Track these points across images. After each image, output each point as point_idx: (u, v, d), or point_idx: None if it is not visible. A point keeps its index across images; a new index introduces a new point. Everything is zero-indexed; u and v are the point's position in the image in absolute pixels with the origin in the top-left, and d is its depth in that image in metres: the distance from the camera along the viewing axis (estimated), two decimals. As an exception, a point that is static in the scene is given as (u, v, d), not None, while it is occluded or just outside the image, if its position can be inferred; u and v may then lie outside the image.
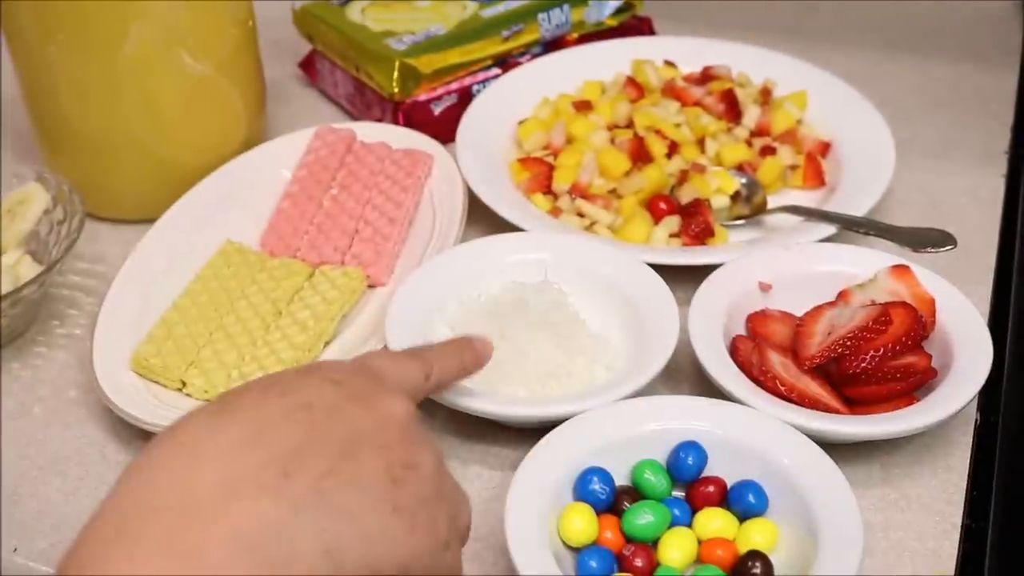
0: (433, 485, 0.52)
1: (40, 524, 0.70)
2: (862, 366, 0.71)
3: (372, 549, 0.48)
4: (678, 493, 0.68)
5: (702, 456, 0.67)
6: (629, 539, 0.64)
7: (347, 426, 0.50)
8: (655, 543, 0.64)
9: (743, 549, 0.63)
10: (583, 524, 0.64)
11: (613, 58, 1.03)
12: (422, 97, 1.00)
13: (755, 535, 0.64)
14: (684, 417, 0.69)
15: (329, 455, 0.48)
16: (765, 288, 0.78)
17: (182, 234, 0.87)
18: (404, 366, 0.59)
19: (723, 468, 0.67)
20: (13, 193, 0.86)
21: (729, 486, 0.67)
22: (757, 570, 0.62)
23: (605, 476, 0.66)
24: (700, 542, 0.64)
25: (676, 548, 0.63)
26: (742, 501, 0.65)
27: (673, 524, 0.65)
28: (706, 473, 0.67)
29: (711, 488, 0.66)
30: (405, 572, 0.49)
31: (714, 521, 0.65)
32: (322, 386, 0.52)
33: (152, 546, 0.44)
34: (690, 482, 0.67)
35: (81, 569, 0.44)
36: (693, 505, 0.66)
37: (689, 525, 0.65)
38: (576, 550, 0.64)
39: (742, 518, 0.65)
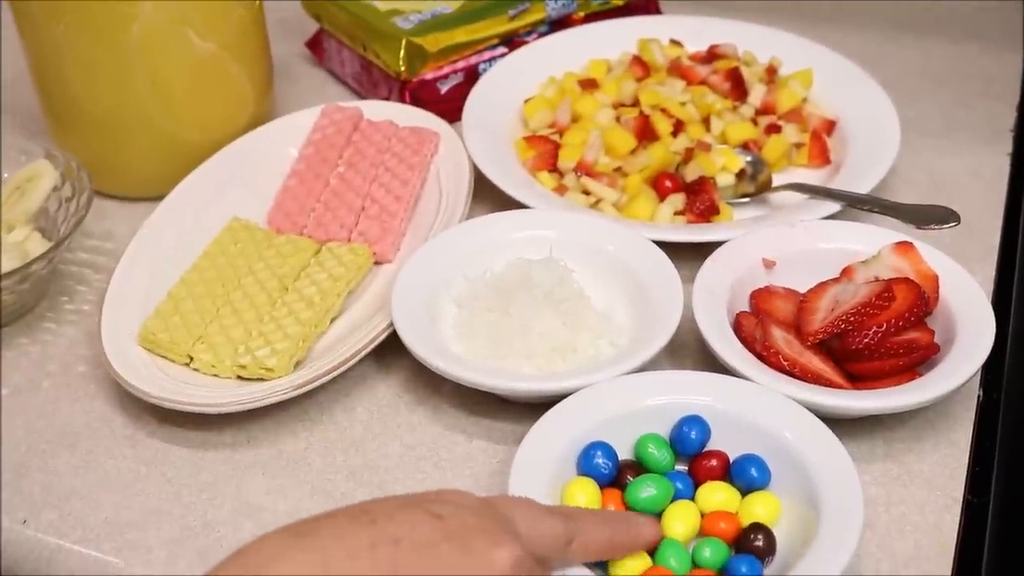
0: None
1: (49, 496, 0.71)
2: (865, 342, 0.71)
3: None
4: (680, 467, 0.68)
5: (705, 430, 0.68)
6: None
7: (434, 570, 0.44)
8: (658, 516, 0.65)
9: (746, 522, 0.64)
10: (586, 498, 0.64)
11: (619, 37, 1.03)
12: (429, 76, 1.00)
13: (757, 508, 0.64)
14: (687, 392, 0.69)
15: None
16: (769, 265, 0.78)
17: (190, 211, 0.87)
18: (541, 521, 0.52)
19: (726, 442, 0.68)
20: (22, 170, 0.86)
21: (731, 460, 0.67)
22: (760, 542, 0.62)
23: (608, 450, 0.66)
24: (703, 515, 0.65)
25: (679, 521, 0.64)
26: (744, 475, 0.66)
27: (676, 497, 0.65)
28: (709, 447, 0.68)
29: (714, 462, 0.67)
30: None
31: (716, 494, 0.65)
32: (419, 519, 0.46)
33: None
34: (693, 456, 0.68)
35: None
36: (696, 479, 0.67)
37: (692, 498, 0.66)
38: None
39: (744, 492, 0.66)
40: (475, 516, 0.48)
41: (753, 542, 0.62)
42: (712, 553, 0.62)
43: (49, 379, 0.79)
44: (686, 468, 0.68)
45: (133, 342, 0.77)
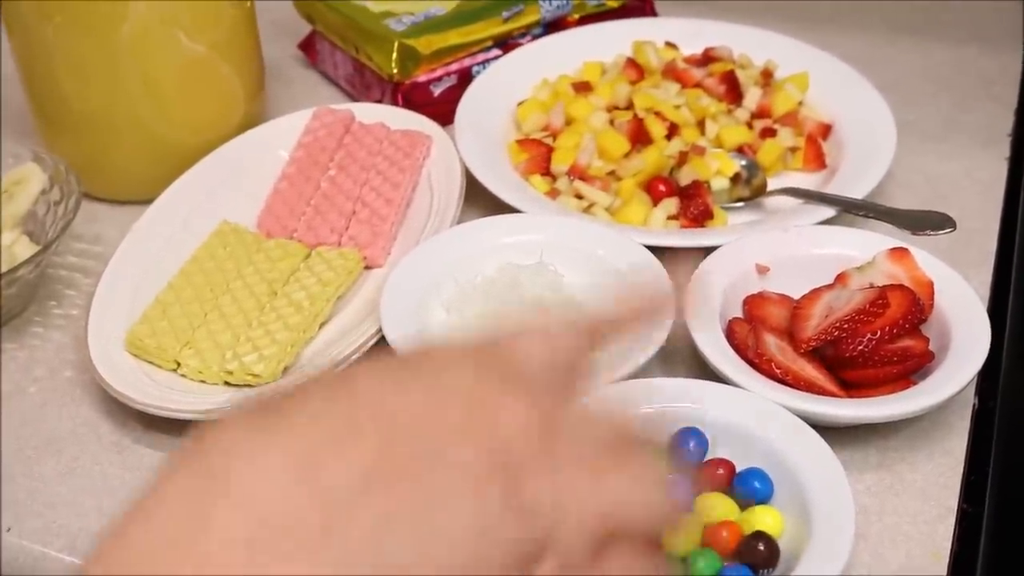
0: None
1: (34, 503, 0.70)
2: (859, 349, 0.70)
3: None
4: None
5: (703, 443, 0.67)
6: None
7: (439, 441, 0.36)
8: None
9: (747, 532, 0.63)
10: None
11: (614, 39, 1.03)
12: (421, 78, 0.99)
13: (765, 518, 0.63)
14: (679, 399, 0.68)
15: (405, 489, 0.35)
16: (763, 271, 0.78)
17: (179, 214, 0.87)
18: (549, 339, 0.42)
19: (716, 451, 0.67)
20: (10, 173, 0.86)
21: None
22: (762, 550, 0.61)
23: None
24: (705, 526, 0.64)
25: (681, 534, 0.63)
26: (748, 487, 0.65)
27: (676, 507, 0.64)
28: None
29: (721, 471, 0.66)
30: None
31: (716, 505, 0.65)
32: (411, 386, 0.37)
33: None
34: (698, 465, 0.67)
35: None
36: (701, 488, 0.66)
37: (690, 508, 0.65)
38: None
39: (744, 504, 0.65)
40: (473, 370, 0.38)
41: (755, 550, 0.61)
42: (706, 564, 0.61)
43: (36, 384, 0.78)
44: (682, 476, 0.67)
45: (120, 347, 0.77)
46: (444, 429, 0.36)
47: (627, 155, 0.90)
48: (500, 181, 0.87)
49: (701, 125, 0.93)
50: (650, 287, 0.47)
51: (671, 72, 0.98)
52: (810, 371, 0.71)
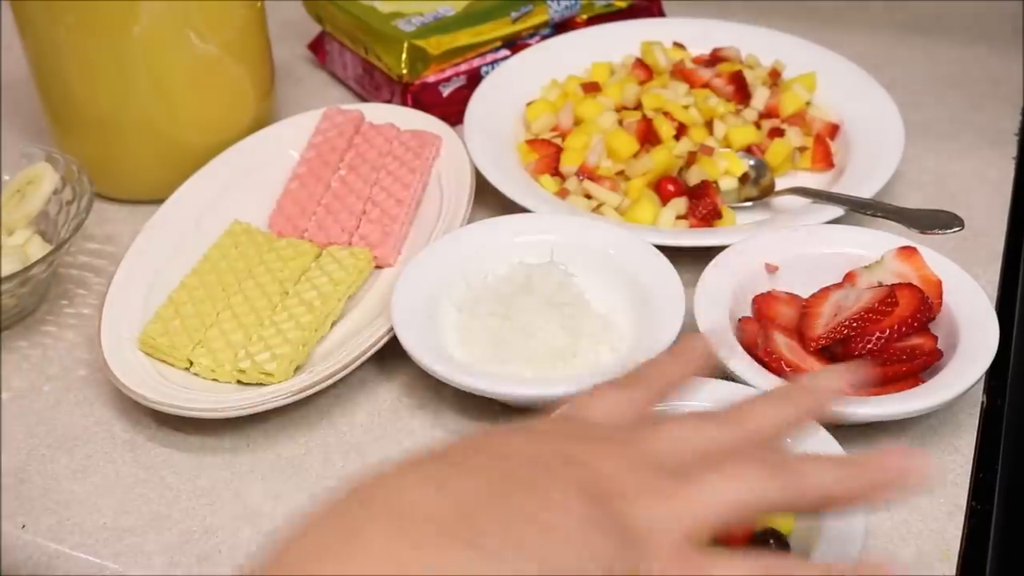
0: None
1: (47, 501, 0.71)
2: (868, 347, 0.71)
3: None
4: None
5: None
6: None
7: (541, 469, 0.44)
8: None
9: (757, 528, 0.63)
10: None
11: (622, 40, 1.03)
12: (431, 78, 1.00)
13: (773, 516, 0.64)
14: (688, 397, 0.69)
15: (522, 500, 0.42)
16: (772, 270, 0.78)
17: (190, 214, 0.87)
18: (612, 396, 0.51)
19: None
20: (22, 173, 0.86)
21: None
22: (773, 545, 0.62)
23: None
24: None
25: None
26: None
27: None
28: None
29: None
30: None
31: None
32: (514, 436, 0.46)
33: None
34: None
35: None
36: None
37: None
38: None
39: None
40: (563, 423, 0.49)
41: (766, 546, 0.62)
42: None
43: (49, 383, 0.79)
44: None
45: (133, 346, 0.77)
46: (551, 458, 0.44)
47: (636, 155, 0.90)
48: (510, 181, 0.88)
49: (709, 125, 0.93)
50: (699, 348, 0.55)
51: (679, 72, 0.98)
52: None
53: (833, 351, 0.72)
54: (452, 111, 0.97)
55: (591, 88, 0.97)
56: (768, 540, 0.62)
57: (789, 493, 0.45)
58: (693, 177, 0.88)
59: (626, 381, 0.52)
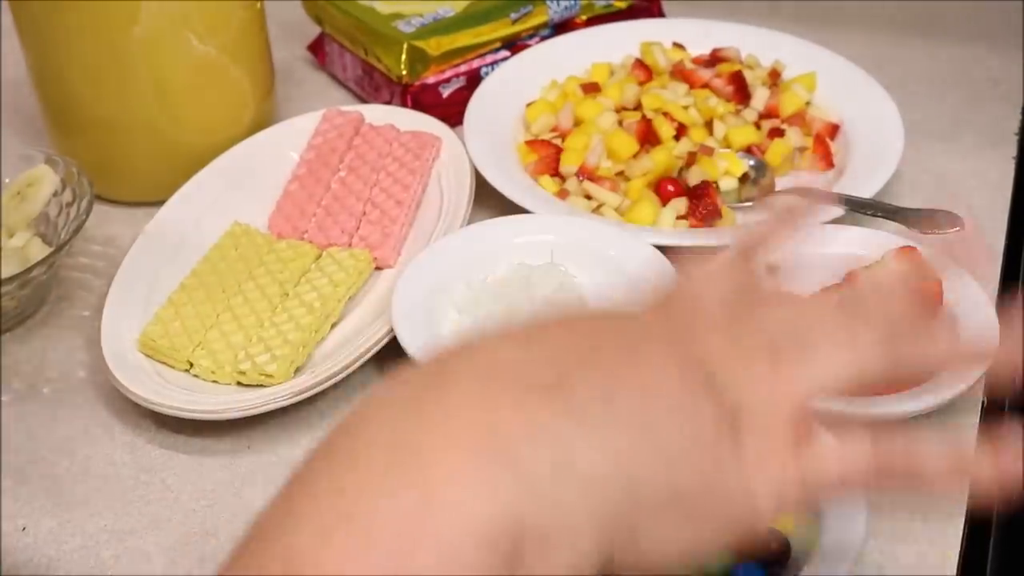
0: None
1: (48, 504, 0.71)
2: (868, 348, 0.70)
3: (672, 467, 0.38)
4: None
5: None
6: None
7: (635, 335, 0.41)
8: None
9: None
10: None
11: (622, 40, 1.03)
12: (430, 80, 1.00)
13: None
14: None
15: (615, 359, 0.39)
16: (772, 270, 0.78)
17: (190, 216, 0.87)
18: (715, 274, 0.46)
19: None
20: (22, 175, 0.86)
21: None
22: (774, 547, 0.62)
23: None
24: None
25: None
26: None
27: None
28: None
29: None
30: (710, 498, 0.39)
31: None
32: (607, 314, 0.43)
33: (375, 435, 0.36)
34: None
35: (308, 458, 0.38)
36: None
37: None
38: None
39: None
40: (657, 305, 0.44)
41: (767, 548, 0.62)
42: (718, 561, 0.61)
43: (49, 385, 0.79)
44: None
45: (133, 348, 0.77)
46: (647, 334, 0.41)
47: (636, 156, 0.90)
48: (510, 182, 0.88)
49: (709, 125, 0.93)
50: (780, 206, 0.51)
51: (679, 73, 0.98)
52: (820, 370, 0.71)
53: (833, 351, 0.72)
54: (452, 112, 0.97)
55: (591, 89, 0.97)
56: (769, 542, 0.62)
57: (897, 363, 0.44)
58: (693, 177, 0.88)
59: (728, 258, 0.48)
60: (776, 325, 0.43)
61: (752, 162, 0.91)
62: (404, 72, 0.99)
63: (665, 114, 0.92)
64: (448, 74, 1.00)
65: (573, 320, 0.42)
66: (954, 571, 0.65)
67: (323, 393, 0.74)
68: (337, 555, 0.34)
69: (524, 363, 0.38)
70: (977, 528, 0.70)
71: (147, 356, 0.77)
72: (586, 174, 0.90)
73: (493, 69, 1.01)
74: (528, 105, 0.97)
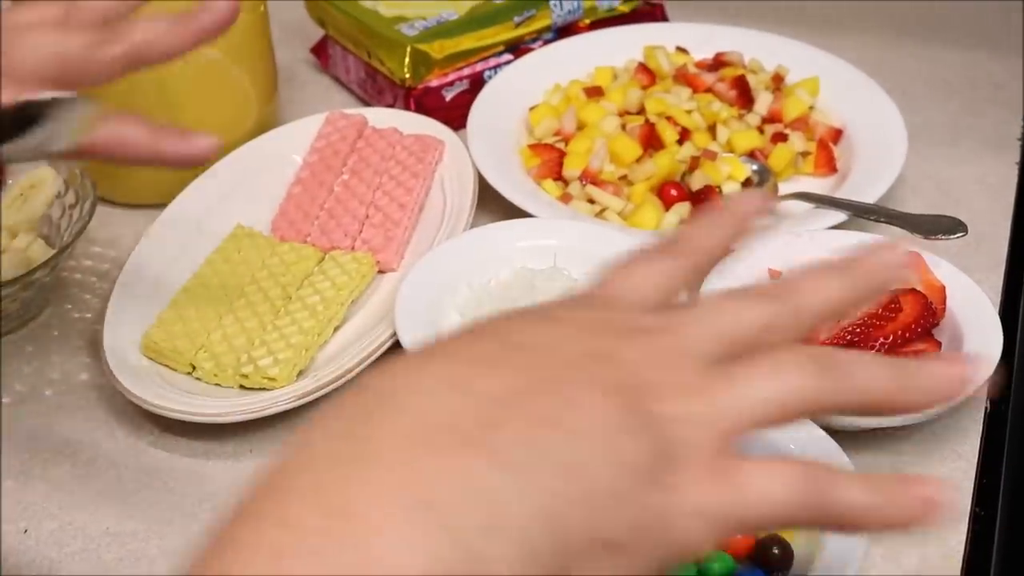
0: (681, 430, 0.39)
1: (50, 506, 0.71)
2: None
3: (601, 513, 0.38)
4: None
5: None
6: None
7: (564, 366, 0.40)
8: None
9: (761, 536, 0.63)
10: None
11: (625, 44, 1.03)
12: (433, 83, 1.00)
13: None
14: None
15: (542, 401, 0.38)
16: (775, 275, 0.78)
17: (193, 218, 0.87)
18: (650, 267, 0.45)
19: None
20: (25, 177, 0.86)
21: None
22: (776, 552, 0.62)
23: None
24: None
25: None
26: None
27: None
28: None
29: None
30: (641, 536, 0.39)
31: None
32: (537, 325, 0.42)
33: (303, 499, 0.36)
34: None
35: (232, 520, 0.37)
36: None
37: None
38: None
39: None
40: (588, 309, 0.43)
41: (770, 553, 0.62)
42: (720, 567, 0.61)
43: (51, 387, 0.79)
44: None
45: (136, 350, 0.77)
46: (575, 354, 0.40)
47: (639, 160, 0.90)
48: (512, 186, 0.88)
49: (712, 130, 0.93)
50: (735, 210, 0.48)
51: (682, 77, 0.98)
52: (823, 375, 0.71)
53: (837, 357, 0.72)
54: (455, 115, 0.97)
55: (594, 92, 0.97)
56: (771, 547, 0.62)
57: (836, 394, 0.41)
58: (696, 182, 0.88)
59: (660, 250, 0.46)
60: (709, 343, 0.42)
61: (755, 167, 0.91)
62: (407, 75, 0.99)
63: (668, 118, 0.92)
64: (451, 77, 1.00)
65: (498, 340, 0.41)
66: (957, 574, 0.64)
67: (326, 397, 0.74)
68: None
69: (450, 413, 0.38)
70: (980, 532, 0.70)
71: (150, 359, 0.77)
72: (589, 178, 0.90)
73: (496, 72, 1.01)
74: (531, 109, 0.97)
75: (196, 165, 0.66)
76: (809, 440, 0.66)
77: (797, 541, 0.63)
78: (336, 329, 0.79)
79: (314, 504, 0.35)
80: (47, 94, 0.58)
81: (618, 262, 0.46)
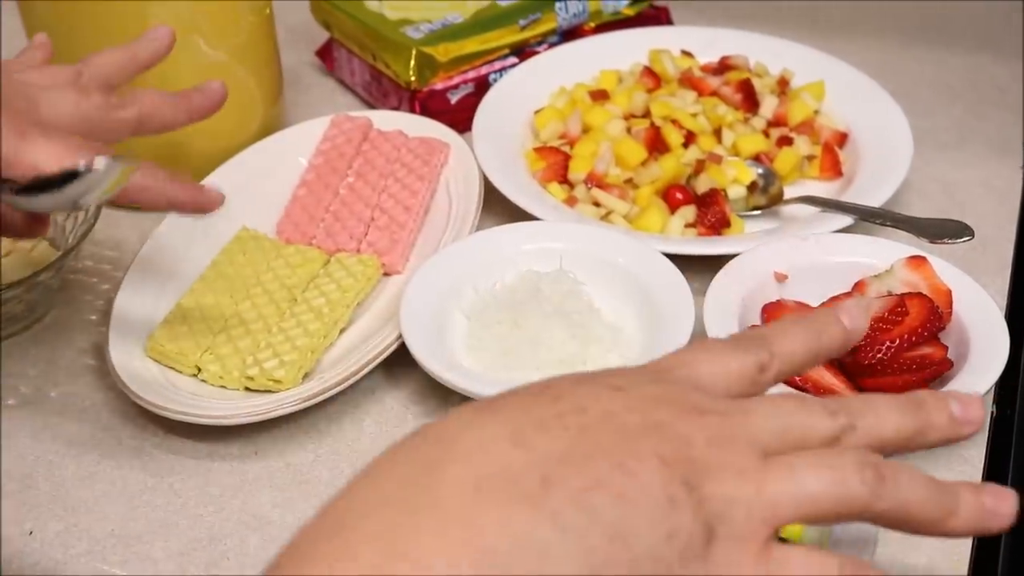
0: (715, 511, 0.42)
1: (55, 508, 0.70)
2: (878, 357, 0.70)
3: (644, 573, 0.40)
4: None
5: None
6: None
7: (623, 433, 0.42)
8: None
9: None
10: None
11: (630, 48, 1.03)
12: (439, 86, 1.00)
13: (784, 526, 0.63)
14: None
15: (598, 464, 0.41)
16: (781, 279, 0.78)
17: (198, 221, 0.86)
18: (724, 360, 0.47)
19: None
20: (30, 179, 0.86)
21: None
22: None
23: None
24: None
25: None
26: None
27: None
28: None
29: None
30: None
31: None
32: (601, 391, 0.44)
33: (370, 543, 0.38)
34: None
35: (295, 562, 0.39)
36: None
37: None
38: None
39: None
40: (655, 384, 0.44)
41: None
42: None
43: (56, 389, 0.79)
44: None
45: (141, 353, 0.77)
46: (636, 423, 0.42)
47: (644, 163, 0.90)
48: (518, 189, 0.88)
49: (718, 133, 0.93)
50: (838, 321, 0.50)
51: (687, 80, 0.98)
52: (829, 378, 0.71)
53: (843, 360, 0.72)
54: (460, 118, 0.97)
55: (599, 96, 0.97)
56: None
57: (876, 501, 0.43)
58: (702, 185, 0.88)
59: (743, 344, 0.48)
60: (768, 435, 0.44)
61: (760, 170, 0.91)
62: (413, 78, 0.99)
63: (674, 122, 0.92)
64: (456, 80, 1.00)
65: (562, 406, 0.43)
66: (964, 581, 0.65)
67: (331, 399, 0.74)
68: None
69: (510, 467, 0.40)
70: (987, 538, 0.69)
71: (155, 361, 0.77)
72: (594, 181, 0.90)
73: (501, 75, 1.01)
74: (536, 112, 0.97)
75: (206, 213, 0.71)
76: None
77: (803, 541, 0.63)
78: (342, 331, 0.79)
79: (381, 549, 0.38)
80: (100, 159, 0.61)
81: (699, 346, 0.48)
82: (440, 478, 0.40)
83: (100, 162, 0.60)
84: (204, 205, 0.70)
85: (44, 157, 0.62)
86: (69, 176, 0.60)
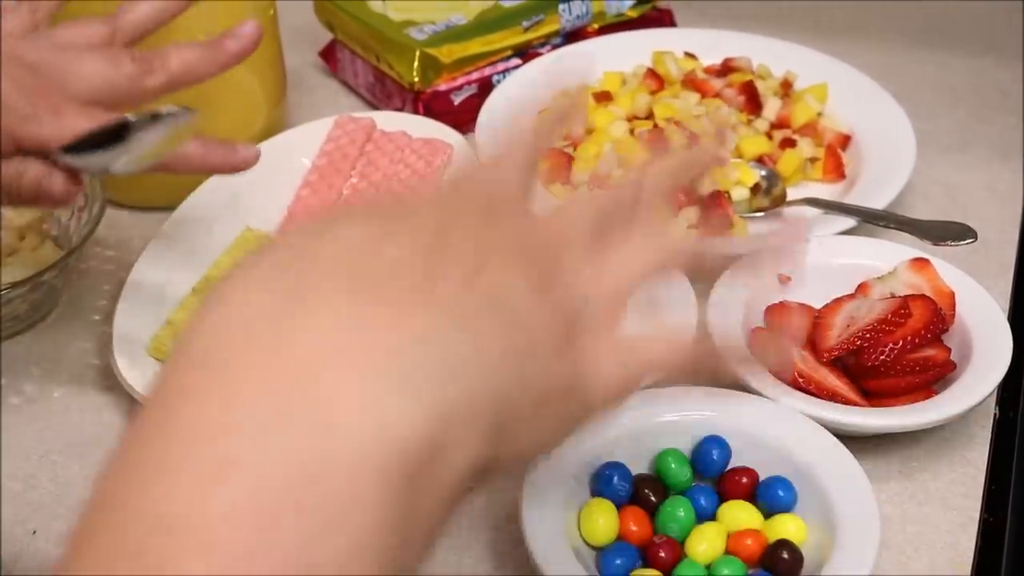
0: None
1: (58, 508, 0.71)
2: (881, 359, 0.71)
3: (541, 364, 0.40)
4: (698, 483, 0.67)
5: (727, 452, 0.67)
6: (659, 532, 0.64)
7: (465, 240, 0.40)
8: (683, 538, 0.64)
9: (771, 540, 0.63)
10: (605, 522, 0.63)
11: (633, 49, 1.03)
12: (442, 87, 1.00)
13: (788, 526, 0.63)
14: (701, 408, 0.69)
15: (467, 260, 0.39)
16: (784, 280, 0.78)
17: (202, 221, 0.87)
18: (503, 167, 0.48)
19: (740, 460, 0.67)
20: (34, 179, 0.86)
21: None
22: (787, 557, 0.62)
23: (624, 472, 0.65)
24: (729, 535, 0.64)
25: (704, 542, 0.63)
26: (772, 496, 0.65)
27: (700, 514, 0.64)
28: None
29: (744, 479, 0.66)
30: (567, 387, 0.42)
31: (740, 513, 0.64)
32: (419, 218, 0.41)
33: (245, 380, 0.34)
34: (720, 473, 0.67)
35: (165, 400, 0.35)
36: (724, 495, 0.66)
37: (714, 515, 0.65)
38: (597, 547, 0.64)
39: (767, 513, 0.65)
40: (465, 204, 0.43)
41: (779, 558, 0.61)
42: (730, 572, 0.61)
43: (60, 389, 0.79)
44: (706, 484, 0.67)
45: (144, 352, 0.77)
46: (479, 227, 0.41)
47: (647, 164, 0.90)
48: (521, 190, 0.87)
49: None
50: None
51: (691, 82, 0.98)
52: (832, 380, 0.71)
53: (846, 362, 0.72)
54: (464, 119, 0.97)
55: (602, 97, 0.97)
56: (781, 552, 0.62)
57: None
58: (704, 187, 0.88)
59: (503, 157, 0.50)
60: (593, 213, 0.48)
61: (764, 172, 0.91)
62: (416, 79, 0.99)
63: (677, 123, 0.92)
64: (460, 81, 1.00)
65: (418, 208, 0.41)
66: (967, 582, 0.65)
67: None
68: (224, 507, 0.31)
69: (387, 263, 0.37)
70: (989, 538, 0.70)
71: (159, 360, 0.77)
72: (598, 182, 0.90)
73: (505, 77, 1.01)
74: (539, 113, 0.97)
75: (241, 171, 0.70)
76: (818, 447, 0.66)
77: (807, 545, 0.63)
78: (345, 332, 0.79)
79: (258, 376, 0.34)
80: (164, 109, 0.61)
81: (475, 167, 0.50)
82: (310, 293, 0.36)
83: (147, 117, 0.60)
84: (238, 165, 0.70)
85: (84, 127, 0.61)
86: (113, 134, 0.60)
